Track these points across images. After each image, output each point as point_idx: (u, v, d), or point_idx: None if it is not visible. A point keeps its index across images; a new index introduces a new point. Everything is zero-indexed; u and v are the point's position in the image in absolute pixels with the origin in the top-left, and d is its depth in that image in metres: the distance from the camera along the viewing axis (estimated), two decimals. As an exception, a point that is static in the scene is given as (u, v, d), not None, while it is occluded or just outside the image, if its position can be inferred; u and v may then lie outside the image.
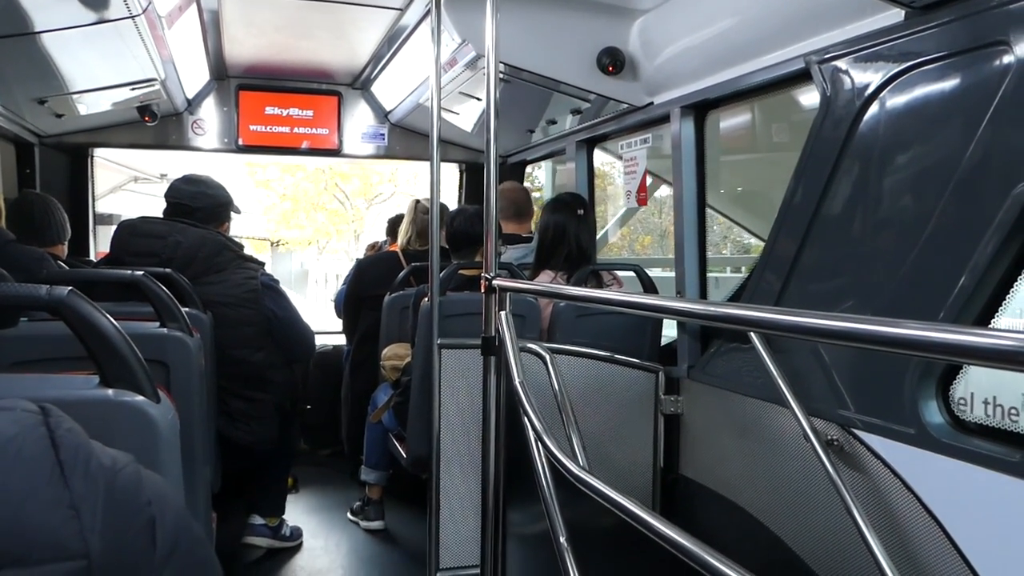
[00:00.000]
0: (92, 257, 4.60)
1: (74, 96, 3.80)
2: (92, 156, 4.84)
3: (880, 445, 2.02)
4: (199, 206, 3.24)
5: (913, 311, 1.95)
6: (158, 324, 2.07)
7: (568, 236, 3.40)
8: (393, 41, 3.91)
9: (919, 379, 1.91)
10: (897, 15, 2.02)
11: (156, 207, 3.38)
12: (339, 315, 4.52)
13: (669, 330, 3.41)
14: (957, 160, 1.84)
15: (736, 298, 3.11)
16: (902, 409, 1.95)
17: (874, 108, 2.09)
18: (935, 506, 1.85)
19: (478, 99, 3.90)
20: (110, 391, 1.17)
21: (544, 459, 1.79)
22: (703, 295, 3.19)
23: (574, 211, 3.46)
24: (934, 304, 1.86)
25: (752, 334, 2.27)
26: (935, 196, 1.90)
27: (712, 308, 1.50)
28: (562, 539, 1.72)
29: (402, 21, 3.57)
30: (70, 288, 1.16)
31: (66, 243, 3.59)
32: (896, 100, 2.04)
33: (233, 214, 3.47)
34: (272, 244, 22.74)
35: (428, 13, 2.87)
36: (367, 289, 4.07)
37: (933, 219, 1.90)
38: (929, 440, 1.87)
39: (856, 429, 2.09)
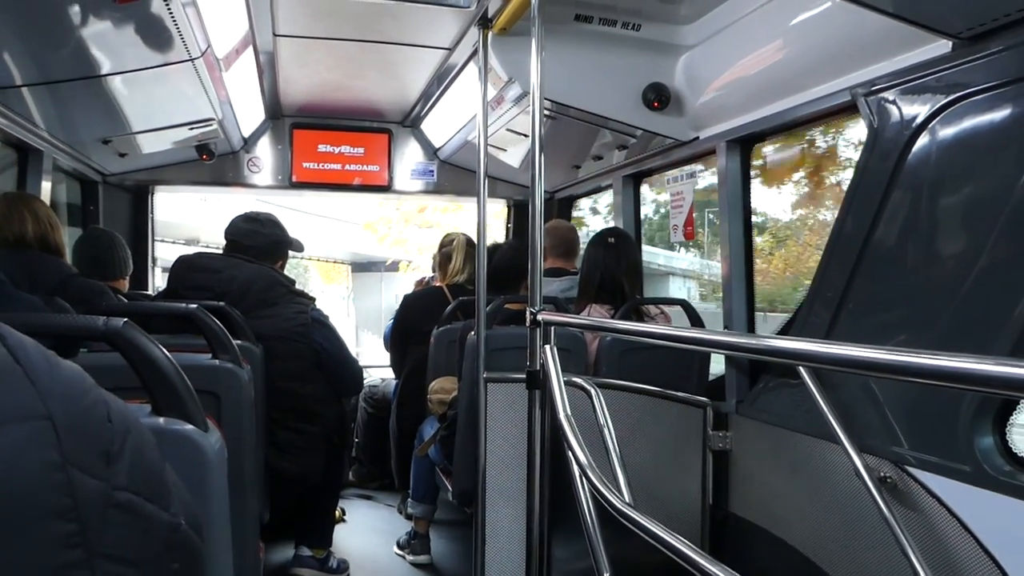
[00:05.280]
0: (151, 291, 4.74)
1: (136, 136, 3.94)
2: (152, 194, 5.00)
3: (935, 483, 1.96)
4: (252, 244, 3.33)
5: (967, 345, 1.91)
6: (211, 356, 2.12)
7: (611, 270, 3.39)
8: (442, 80, 3.99)
9: (974, 414, 1.86)
10: (944, 46, 2.00)
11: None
12: (387, 349, 4.57)
13: (717, 365, 3.37)
14: (1009, 190, 1.81)
15: (784, 332, 3.07)
16: (957, 446, 1.90)
17: (923, 140, 2.07)
18: (994, 547, 1.79)
19: (525, 136, 3.95)
20: (161, 419, 1.20)
21: (589, 494, 1.78)
22: (751, 329, 3.16)
23: (616, 246, 3.45)
24: (988, 337, 1.82)
25: (801, 368, 2.23)
26: (987, 228, 1.87)
27: (760, 342, 1.49)
28: (606, 575, 1.71)
29: (450, 60, 3.64)
30: (125, 320, 1.20)
31: (127, 278, 3.71)
32: (945, 131, 2.01)
33: (291, 251, 3.56)
34: (352, 268, 17.34)
35: (475, 52, 2.92)
36: (414, 324, 4.11)
37: (986, 251, 1.87)
38: (986, 478, 1.82)
39: (909, 466, 2.04)
